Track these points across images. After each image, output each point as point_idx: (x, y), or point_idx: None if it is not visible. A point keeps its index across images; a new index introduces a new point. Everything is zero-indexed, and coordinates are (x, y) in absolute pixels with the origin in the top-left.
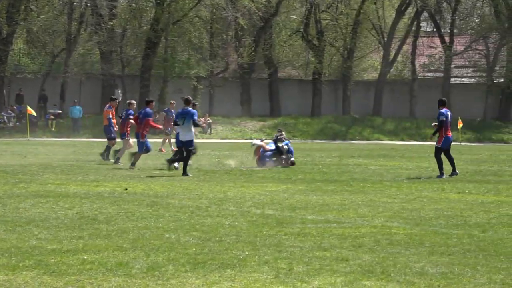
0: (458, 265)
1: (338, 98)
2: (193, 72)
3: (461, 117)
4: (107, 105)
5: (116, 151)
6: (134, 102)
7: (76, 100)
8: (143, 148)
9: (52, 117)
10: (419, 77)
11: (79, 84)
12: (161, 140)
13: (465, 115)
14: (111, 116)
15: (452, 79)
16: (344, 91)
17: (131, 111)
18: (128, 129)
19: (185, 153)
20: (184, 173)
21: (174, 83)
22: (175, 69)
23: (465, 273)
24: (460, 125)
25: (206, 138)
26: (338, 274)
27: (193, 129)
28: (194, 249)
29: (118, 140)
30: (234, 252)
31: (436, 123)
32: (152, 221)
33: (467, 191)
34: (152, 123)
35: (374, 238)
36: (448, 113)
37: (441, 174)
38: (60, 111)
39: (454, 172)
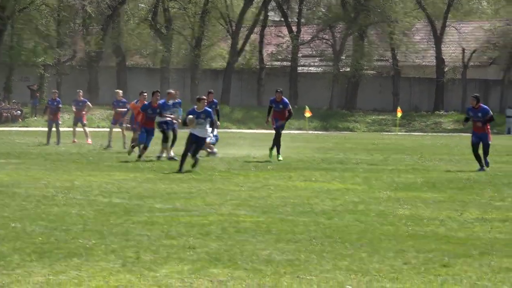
0: (305, 252)
1: (186, 87)
2: (40, 60)
3: (308, 106)
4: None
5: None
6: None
7: None
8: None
9: None
10: (266, 66)
11: None
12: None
13: (312, 104)
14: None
15: (300, 68)
16: (192, 80)
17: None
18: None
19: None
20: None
21: (20, 71)
22: (21, 57)
23: (311, 260)
24: (307, 114)
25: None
26: (186, 262)
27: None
28: (40, 238)
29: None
30: (81, 241)
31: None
32: None
33: (313, 179)
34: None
35: (222, 226)
36: None
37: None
38: None
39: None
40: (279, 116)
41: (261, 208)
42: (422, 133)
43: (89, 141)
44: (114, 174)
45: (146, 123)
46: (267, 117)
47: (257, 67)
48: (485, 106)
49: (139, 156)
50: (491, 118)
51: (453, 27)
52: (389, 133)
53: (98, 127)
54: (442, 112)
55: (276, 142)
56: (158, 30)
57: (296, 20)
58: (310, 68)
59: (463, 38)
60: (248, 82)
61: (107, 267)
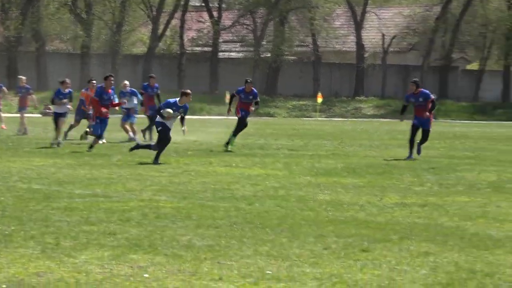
0: (225, 237)
1: (107, 72)
2: None
3: (229, 91)
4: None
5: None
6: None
7: None
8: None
9: None
10: (187, 52)
11: None
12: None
13: (233, 89)
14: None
15: (220, 54)
16: (113, 65)
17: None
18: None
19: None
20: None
21: None
22: None
23: (232, 245)
24: (227, 99)
25: None
26: (106, 248)
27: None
28: None
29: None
30: None
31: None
32: None
33: (234, 164)
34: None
35: (142, 211)
36: None
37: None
38: None
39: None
40: (245, 107)
41: (182, 193)
42: (342, 119)
43: (4, 126)
44: (34, 160)
45: (100, 113)
46: (229, 106)
47: (178, 52)
48: (426, 91)
49: (91, 147)
50: (433, 103)
51: (373, 12)
52: (310, 118)
53: (18, 112)
54: (362, 97)
55: (237, 131)
56: (78, 15)
57: (217, 5)
58: (231, 53)
59: (383, 24)
60: (169, 67)
61: (26, 253)
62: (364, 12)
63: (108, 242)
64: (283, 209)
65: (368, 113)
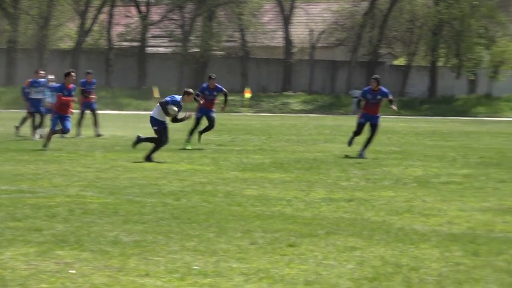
0: (152, 233)
1: (33, 67)
2: None
3: (157, 86)
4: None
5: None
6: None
7: None
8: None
9: None
10: (115, 47)
11: None
12: None
13: (161, 84)
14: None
15: (149, 49)
16: (40, 60)
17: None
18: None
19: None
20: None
21: None
22: None
23: (159, 241)
24: (156, 94)
25: None
26: (31, 245)
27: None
28: None
29: None
30: None
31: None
32: None
33: (161, 159)
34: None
35: (69, 207)
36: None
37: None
38: None
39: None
40: (208, 105)
41: (109, 189)
42: (271, 114)
43: None
44: None
45: (60, 109)
46: (198, 106)
47: (106, 47)
48: (385, 89)
49: (45, 145)
50: (391, 100)
51: (302, 8)
52: (238, 114)
53: None
54: (290, 93)
55: (193, 129)
56: (5, 10)
57: (145, 0)
58: (159, 48)
59: (311, 19)
60: (97, 62)
61: None
62: (292, 8)
63: (34, 238)
64: (210, 205)
65: (296, 108)
